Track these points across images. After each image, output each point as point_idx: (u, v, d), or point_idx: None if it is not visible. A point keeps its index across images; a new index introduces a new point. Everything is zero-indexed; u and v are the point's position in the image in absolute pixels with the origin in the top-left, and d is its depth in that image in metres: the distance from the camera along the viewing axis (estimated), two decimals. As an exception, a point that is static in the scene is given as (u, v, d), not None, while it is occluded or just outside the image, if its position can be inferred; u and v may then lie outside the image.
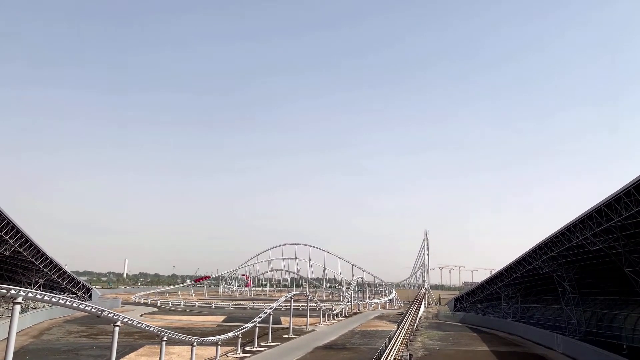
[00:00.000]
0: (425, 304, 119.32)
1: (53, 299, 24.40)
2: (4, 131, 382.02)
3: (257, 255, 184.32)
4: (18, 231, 61.12)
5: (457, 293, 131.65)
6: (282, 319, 73.53)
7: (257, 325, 48.45)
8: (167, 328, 39.07)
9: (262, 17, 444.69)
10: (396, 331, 57.25)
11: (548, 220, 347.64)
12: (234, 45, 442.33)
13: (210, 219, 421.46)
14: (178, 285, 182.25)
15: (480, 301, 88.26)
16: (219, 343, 39.74)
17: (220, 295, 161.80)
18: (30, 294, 22.83)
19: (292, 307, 64.05)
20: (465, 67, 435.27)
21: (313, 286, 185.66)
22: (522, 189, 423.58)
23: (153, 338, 41.31)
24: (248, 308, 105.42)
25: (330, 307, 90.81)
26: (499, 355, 47.65)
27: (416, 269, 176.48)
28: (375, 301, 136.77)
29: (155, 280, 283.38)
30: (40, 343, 47.80)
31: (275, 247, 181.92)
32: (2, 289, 20.75)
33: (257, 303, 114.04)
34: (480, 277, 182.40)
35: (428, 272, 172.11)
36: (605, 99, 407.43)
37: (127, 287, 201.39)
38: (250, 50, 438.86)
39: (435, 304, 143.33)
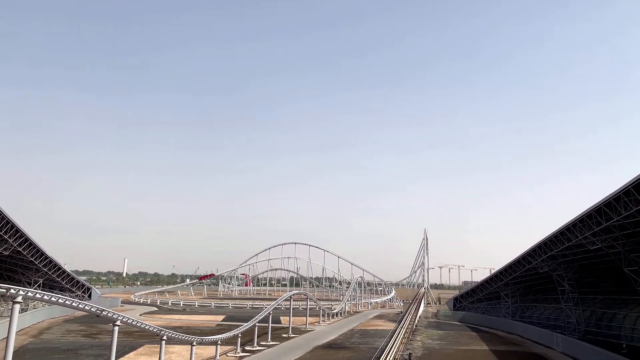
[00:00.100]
0: (424, 303, 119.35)
1: (52, 299, 24.39)
2: (4, 131, 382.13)
3: (257, 254, 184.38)
4: (17, 230, 61.09)
5: (456, 292, 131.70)
6: (281, 318, 73.57)
7: (257, 324, 48.44)
8: (166, 327, 39.06)
9: (262, 17, 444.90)
10: (396, 330, 57.26)
11: (547, 219, 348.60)
12: (234, 45, 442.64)
13: (210, 219, 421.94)
14: (177, 285, 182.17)
15: (479, 300, 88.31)
16: (219, 342, 39.77)
17: (219, 294, 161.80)
18: (29, 294, 22.83)
19: (291, 307, 64.07)
20: (465, 67, 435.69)
21: (312, 285, 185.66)
22: (521, 188, 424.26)
23: (153, 337, 41.32)
24: (247, 307, 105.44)
25: (330, 306, 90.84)
26: (498, 355, 47.69)
27: (416, 268, 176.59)
28: (374, 300, 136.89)
29: (154, 279, 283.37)
30: (39, 342, 47.80)
31: (274, 246, 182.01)
32: (2, 289, 20.75)
33: (256, 302, 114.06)
34: (480, 276, 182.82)
35: (427, 272, 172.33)
36: (605, 98, 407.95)
37: (127, 287, 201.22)
38: (250, 50, 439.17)
39: (435, 303, 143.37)
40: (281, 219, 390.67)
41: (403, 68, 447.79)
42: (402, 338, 52.22)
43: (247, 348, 45.84)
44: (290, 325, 60.82)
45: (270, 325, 53.71)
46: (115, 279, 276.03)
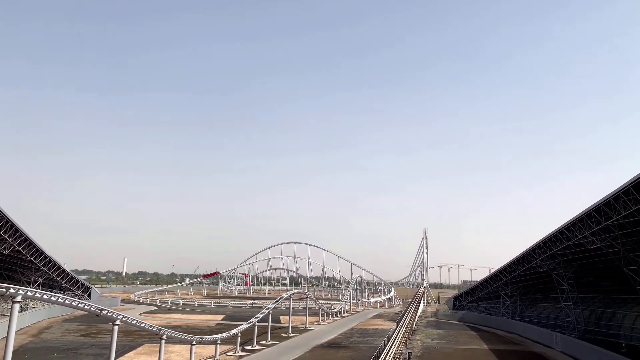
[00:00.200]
0: (424, 303, 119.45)
1: (52, 298, 24.38)
2: (4, 131, 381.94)
3: (257, 254, 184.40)
4: (17, 230, 61.08)
5: (456, 292, 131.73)
6: (281, 317, 73.62)
7: (257, 323, 48.44)
8: (166, 327, 39.07)
9: (262, 17, 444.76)
10: (395, 330, 57.28)
11: (547, 219, 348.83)
12: (234, 45, 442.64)
13: (210, 219, 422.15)
14: (177, 284, 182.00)
15: (479, 300, 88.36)
16: (218, 342, 39.76)
17: (219, 294, 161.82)
18: (29, 293, 22.82)
19: (291, 306, 64.07)
20: (464, 67, 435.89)
21: (312, 285, 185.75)
22: (521, 188, 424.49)
23: (152, 337, 41.33)
24: (247, 307, 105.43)
25: (330, 305, 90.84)
26: (497, 354, 47.72)
27: (415, 268, 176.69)
28: (374, 300, 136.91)
29: (154, 279, 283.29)
30: (39, 342, 47.79)
31: (274, 245, 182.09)
32: (1, 288, 20.75)
33: (256, 302, 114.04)
34: (479, 275, 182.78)
35: (427, 271, 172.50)
36: (605, 98, 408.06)
37: (126, 286, 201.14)
38: (250, 50, 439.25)
39: (434, 302, 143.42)
40: (281, 219, 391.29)
41: (403, 68, 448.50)
42: (402, 337, 52.23)
43: (246, 347, 45.85)
44: (290, 325, 60.83)
45: (270, 324, 53.72)
46: (114, 278, 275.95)
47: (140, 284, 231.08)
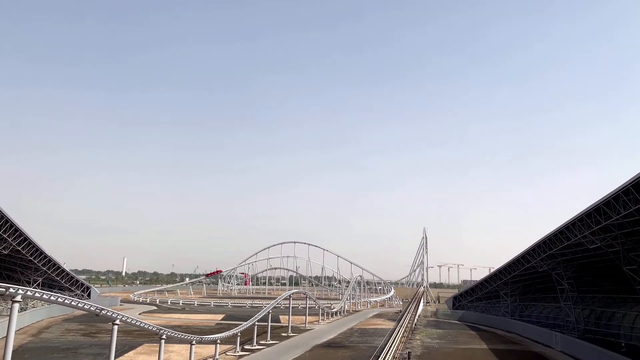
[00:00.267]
0: (424, 302, 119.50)
1: (52, 298, 24.37)
2: (4, 131, 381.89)
3: (256, 253, 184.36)
4: (17, 229, 61.08)
5: (455, 291, 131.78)
6: (281, 317, 73.62)
7: (256, 323, 48.43)
8: (166, 326, 39.06)
9: (261, 15, 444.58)
10: (395, 329, 57.30)
11: (547, 218, 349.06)
12: (233, 44, 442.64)
13: (210, 219, 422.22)
14: (177, 284, 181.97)
15: (479, 299, 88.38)
16: (218, 341, 39.75)
17: (219, 293, 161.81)
18: (29, 293, 22.81)
19: (291, 306, 64.07)
20: (464, 64, 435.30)
21: (312, 284, 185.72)
22: (521, 187, 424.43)
23: (152, 336, 41.31)
24: (247, 306, 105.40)
25: (329, 305, 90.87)
26: (497, 353, 47.73)
27: (415, 267, 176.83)
28: (374, 299, 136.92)
29: (154, 278, 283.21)
30: (39, 341, 47.77)
31: (274, 245, 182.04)
32: (1, 288, 20.75)
33: (256, 301, 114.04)
34: (479, 275, 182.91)
35: (427, 271, 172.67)
36: (605, 96, 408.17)
37: (126, 286, 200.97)
38: (250, 49, 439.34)
39: (434, 302, 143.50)
40: (281, 218, 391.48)
41: (402, 65, 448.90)
42: (402, 337, 52.29)
43: (246, 347, 45.84)
44: (290, 324, 60.82)
45: (270, 324, 53.71)
46: (114, 278, 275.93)
47: (140, 283, 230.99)
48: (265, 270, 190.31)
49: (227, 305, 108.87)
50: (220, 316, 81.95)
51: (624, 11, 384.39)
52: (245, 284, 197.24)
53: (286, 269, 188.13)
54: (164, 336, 32.98)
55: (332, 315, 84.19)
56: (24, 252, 65.93)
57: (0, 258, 66.15)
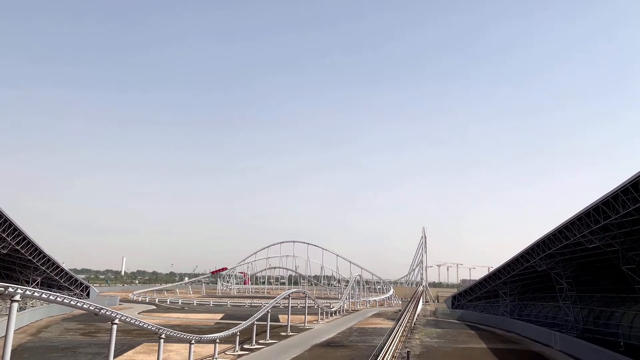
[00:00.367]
0: (423, 302, 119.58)
1: (51, 297, 24.36)
2: (4, 131, 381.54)
3: (255, 253, 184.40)
4: (16, 229, 61.07)
5: (454, 291, 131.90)
6: (280, 316, 73.61)
7: (255, 322, 48.43)
8: (165, 326, 39.12)
9: (261, 15, 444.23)
10: (394, 329, 57.34)
11: (546, 218, 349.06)
12: (233, 44, 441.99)
13: (210, 219, 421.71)
14: (176, 283, 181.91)
15: (478, 299, 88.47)
16: (217, 341, 39.74)
17: (218, 293, 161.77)
18: (27, 292, 22.78)
19: (290, 305, 64.04)
20: (463, 63, 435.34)
21: (311, 284, 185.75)
22: (520, 186, 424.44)
23: (151, 336, 41.29)
24: (246, 306, 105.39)
25: (329, 304, 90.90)
26: (496, 353, 47.78)
27: (414, 267, 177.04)
28: (373, 299, 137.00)
29: (153, 278, 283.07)
30: (38, 341, 47.75)
31: (273, 244, 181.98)
32: (0, 287, 20.72)
33: (255, 301, 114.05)
34: (478, 274, 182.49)
35: (426, 270, 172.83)
36: (605, 95, 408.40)
37: (125, 285, 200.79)
38: (250, 49, 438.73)
39: (433, 301, 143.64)
40: (281, 218, 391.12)
41: (402, 64, 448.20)
42: (401, 336, 52.30)
43: (245, 346, 45.85)
44: (289, 324, 60.83)
45: (269, 323, 53.71)
46: (113, 277, 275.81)
47: (139, 283, 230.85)
48: (265, 269, 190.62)
49: (226, 304, 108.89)
50: (220, 315, 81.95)
51: (624, 11, 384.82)
52: (245, 284, 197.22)
53: (285, 269, 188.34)
54: (163, 335, 32.99)
55: (331, 315, 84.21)
56: (22, 251, 65.91)
57: (-1, 257, 66.15)
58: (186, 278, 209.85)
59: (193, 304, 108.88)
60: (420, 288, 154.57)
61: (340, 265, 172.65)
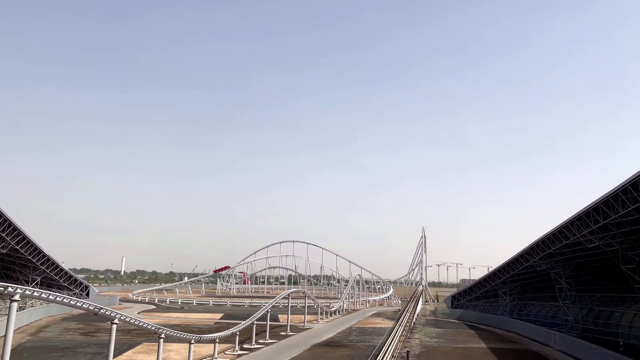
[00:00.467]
0: (422, 301, 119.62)
1: (50, 297, 24.36)
2: (4, 131, 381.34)
3: (255, 252, 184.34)
4: (15, 228, 61.06)
5: (454, 290, 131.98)
6: (279, 316, 73.60)
7: (255, 322, 48.41)
8: (164, 325, 39.09)
9: (261, 15, 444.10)
10: (394, 328, 57.34)
11: (546, 217, 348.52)
12: (233, 43, 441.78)
13: (210, 219, 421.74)
14: (176, 283, 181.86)
15: (477, 298, 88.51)
16: (217, 340, 39.74)
17: (217, 292, 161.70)
18: (27, 292, 22.77)
19: (289, 305, 64.02)
20: (462, 62, 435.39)
21: (311, 283, 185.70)
22: (520, 186, 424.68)
23: (151, 335, 41.31)
24: (246, 305, 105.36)
25: (328, 304, 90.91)
26: (496, 352, 47.79)
27: (414, 266, 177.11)
28: (372, 298, 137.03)
29: (152, 277, 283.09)
30: (37, 341, 47.73)
31: (273, 244, 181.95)
32: (0, 287, 20.73)
33: (254, 300, 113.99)
34: (478, 274, 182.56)
35: (425, 270, 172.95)
36: (605, 95, 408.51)
37: (125, 285, 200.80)
38: (250, 48, 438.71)
39: (433, 301, 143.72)
40: (281, 218, 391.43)
41: (401, 64, 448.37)
42: (400, 336, 52.31)
43: (245, 346, 45.85)
44: (289, 323, 60.83)
45: (269, 323, 53.70)
46: (113, 277, 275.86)
47: (139, 282, 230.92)
48: (264, 269, 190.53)
49: (225, 304, 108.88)
50: (219, 315, 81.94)
51: (624, 10, 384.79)
52: (244, 283, 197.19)
53: (285, 268, 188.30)
54: (162, 335, 32.98)
55: (331, 314, 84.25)
56: (22, 251, 65.89)
57: (-1, 257, 66.12)
58: (186, 278, 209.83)
59: (193, 303, 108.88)
60: (420, 288, 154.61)
61: (340, 265, 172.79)
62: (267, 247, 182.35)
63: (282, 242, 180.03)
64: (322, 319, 77.38)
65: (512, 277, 70.75)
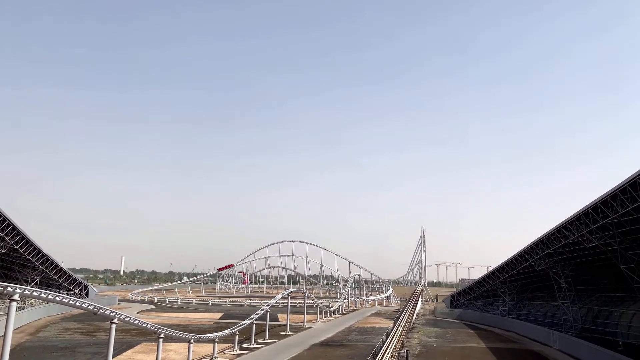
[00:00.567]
0: (422, 301, 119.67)
1: (49, 297, 24.35)
2: (4, 131, 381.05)
3: (255, 252, 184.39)
4: (14, 228, 61.04)
5: (453, 290, 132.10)
6: (279, 316, 73.58)
7: (254, 322, 48.43)
8: (164, 325, 39.06)
9: (261, 15, 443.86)
10: (393, 328, 57.38)
11: (545, 217, 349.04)
12: (233, 43, 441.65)
13: (209, 218, 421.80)
14: (175, 283, 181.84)
15: (476, 298, 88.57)
16: (216, 340, 39.74)
17: (217, 292, 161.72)
18: (26, 292, 22.75)
19: (289, 304, 64.03)
20: (462, 62, 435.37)
21: (310, 283, 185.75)
22: (519, 185, 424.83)
23: (150, 335, 41.29)
24: (245, 305, 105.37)
25: (328, 304, 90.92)
26: (495, 352, 47.81)
27: (413, 266, 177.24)
28: (372, 298, 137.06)
29: (152, 277, 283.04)
30: (37, 340, 47.70)
31: (272, 244, 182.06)
32: (-1, 287, 20.72)
33: (254, 300, 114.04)
34: (477, 274, 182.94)
35: (425, 269, 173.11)
36: (604, 94, 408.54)
37: (124, 285, 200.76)
38: (251, 48, 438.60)
39: (432, 300, 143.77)
40: (281, 218, 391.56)
41: (401, 64, 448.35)
42: (400, 336, 52.35)
43: (244, 346, 45.85)
44: (288, 323, 60.83)
45: (268, 323, 53.70)
46: (112, 277, 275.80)
47: (138, 282, 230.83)
48: (264, 269, 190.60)
49: (225, 304, 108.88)
50: (219, 315, 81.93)
51: (624, 10, 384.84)
52: (244, 283, 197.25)
53: (284, 268, 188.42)
54: (162, 335, 32.97)
55: (330, 314, 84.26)
56: (21, 251, 65.86)
57: (-2, 257, 66.07)
58: (185, 277, 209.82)
59: (192, 303, 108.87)
60: (419, 287, 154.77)
61: (339, 265, 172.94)
62: (267, 246, 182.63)
63: (282, 241, 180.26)
64: (321, 318, 77.40)
65: (511, 276, 70.79)
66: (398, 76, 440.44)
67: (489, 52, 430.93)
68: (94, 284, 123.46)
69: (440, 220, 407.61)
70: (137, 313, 79.93)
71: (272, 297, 71.68)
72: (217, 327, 57.78)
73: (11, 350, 21.70)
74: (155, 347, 33.00)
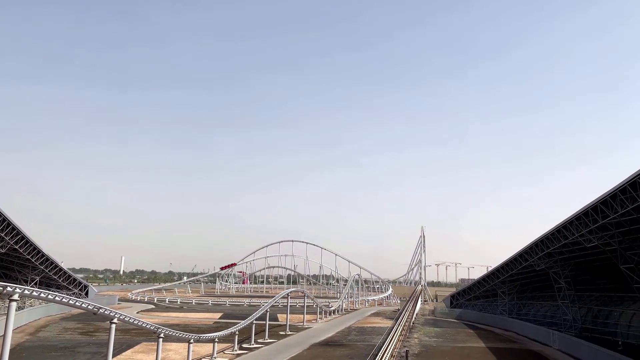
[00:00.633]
0: (421, 301, 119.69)
1: (49, 296, 24.33)
2: (4, 131, 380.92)
3: (254, 252, 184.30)
4: (14, 228, 61.00)
5: (453, 290, 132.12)
6: (278, 315, 73.57)
7: (254, 322, 48.43)
8: (163, 325, 39.06)
9: (262, 15, 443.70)
10: (393, 328, 57.39)
11: (545, 217, 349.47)
12: (233, 43, 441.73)
13: (209, 218, 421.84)
14: (175, 282, 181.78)
15: (476, 298, 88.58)
16: (216, 340, 39.74)
17: (217, 292, 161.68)
18: (26, 291, 22.73)
19: (288, 304, 64.03)
20: (462, 62, 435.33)
21: (310, 283, 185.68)
22: (519, 185, 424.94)
23: (150, 335, 41.26)
24: (245, 305, 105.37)
25: (327, 304, 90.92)
26: (495, 352, 47.82)
27: (413, 266, 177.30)
28: (371, 298, 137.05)
29: (151, 277, 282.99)
30: (36, 340, 47.68)
31: (272, 244, 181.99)
32: (-2, 286, 20.71)
33: (253, 300, 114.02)
34: (477, 274, 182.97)
35: (424, 269, 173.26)
36: (604, 94, 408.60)
37: (124, 284, 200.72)
38: (251, 48, 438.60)
39: (432, 300, 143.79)
40: (280, 218, 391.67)
41: (401, 64, 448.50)
42: (399, 335, 52.35)
43: (244, 345, 45.85)
44: (288, 323, 60.83)
45: (268, 322, 53.70)
46: (112, 276, 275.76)
47: (138, 282, 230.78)
48: (263, 268, 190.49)
49: (225, 303, 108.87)
50: (218, 315, 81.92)
51: (624, 10, 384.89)
52: (243, 283, 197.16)
53: (284, 268, 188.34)
54: (161, 335, 32.96)
55: (330, 314, 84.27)
56: (21, 250, 65.82)
57: (-2, 257, 66.04)
58: (185, 277, 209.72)
59: (192, 303, 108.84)
60: (419, 287, 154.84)
61: (339, 265, 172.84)
62: (266, 246, 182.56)
63: (281, 241, 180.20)
64: (321, 318, 77.40)
65: (511, 276, 70.81)
66: (398, 76, 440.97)
67: (489, 52, 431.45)
68: (93, 284, 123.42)
69: (440, 220, 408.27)
70: (137, 313, 79.91)
71: (272, 297, 71.68)
72: (217, 327, 57.79)
73: (11, 350, 21.69)
74: (155, 347, 32.99)
